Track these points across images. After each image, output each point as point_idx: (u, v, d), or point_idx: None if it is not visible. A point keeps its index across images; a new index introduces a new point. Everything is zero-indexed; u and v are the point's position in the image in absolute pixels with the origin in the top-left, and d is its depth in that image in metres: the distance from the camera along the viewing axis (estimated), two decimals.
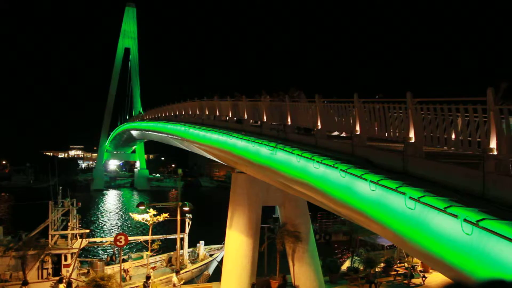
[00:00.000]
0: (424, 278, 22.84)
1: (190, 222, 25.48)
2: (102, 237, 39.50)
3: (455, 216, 6.35)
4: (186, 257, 25.51)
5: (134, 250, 31.52)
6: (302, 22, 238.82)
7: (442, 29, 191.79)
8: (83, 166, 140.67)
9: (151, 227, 22.25)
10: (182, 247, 24.48)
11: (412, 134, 8.75)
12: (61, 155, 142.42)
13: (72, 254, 21.16)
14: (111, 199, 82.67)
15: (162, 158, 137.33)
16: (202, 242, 27.30)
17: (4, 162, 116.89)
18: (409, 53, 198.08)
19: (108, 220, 56.33)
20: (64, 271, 20.73)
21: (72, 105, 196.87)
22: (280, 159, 13.72)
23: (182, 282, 20.80)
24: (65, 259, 20.96)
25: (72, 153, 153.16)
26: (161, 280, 22.32)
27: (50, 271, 20.59)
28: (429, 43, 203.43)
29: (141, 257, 25.60)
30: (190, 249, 26.82)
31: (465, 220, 6.17)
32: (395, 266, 24.94)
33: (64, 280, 19.56)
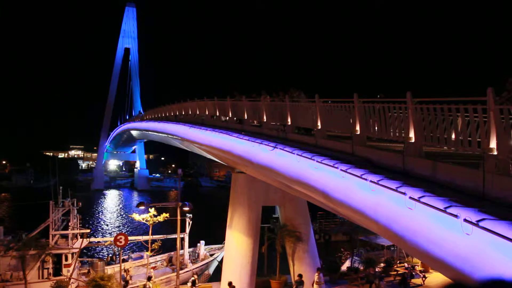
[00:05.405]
0: (424, 278, 22.84)
1: (191, 222, 25.51)
2: (102, 237, 39.51)
3: (455, 216, 6.36)
4: (186, 257, 25.53)
5: (130, 249, 31.50)
6: (300, 21, 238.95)
7: (442, 29, 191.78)
8: (83, 166, 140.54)
9: (151, 227, 22.24)
10: (182, 247, 24.48)
11: (412, 134, 8.76)
12: (61, 155, 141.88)
13: (72, 254, 21.18)
14: (111, 199, 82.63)
15: (162, 158, 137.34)
16: (202, 242, 27.32)
17: (4, 162, 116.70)
18: (408, 53, 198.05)
19: (108, 220, 56.29)
20: (64, 271, 20.75)
21: (72, 105, 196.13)
22: (280, 159, 13.73)
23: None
24: (66, 259, 20.99)
25: (72, 153, 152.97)
26: (161, 280, 22.34)
27: (50, 271, 20.61)
28: (429, 43, 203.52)
29: (141, 257, 25.62)
30: (191, 249, 26.84)
31: (465, 220, 6.18)
32: (395, 266, 24.94)
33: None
